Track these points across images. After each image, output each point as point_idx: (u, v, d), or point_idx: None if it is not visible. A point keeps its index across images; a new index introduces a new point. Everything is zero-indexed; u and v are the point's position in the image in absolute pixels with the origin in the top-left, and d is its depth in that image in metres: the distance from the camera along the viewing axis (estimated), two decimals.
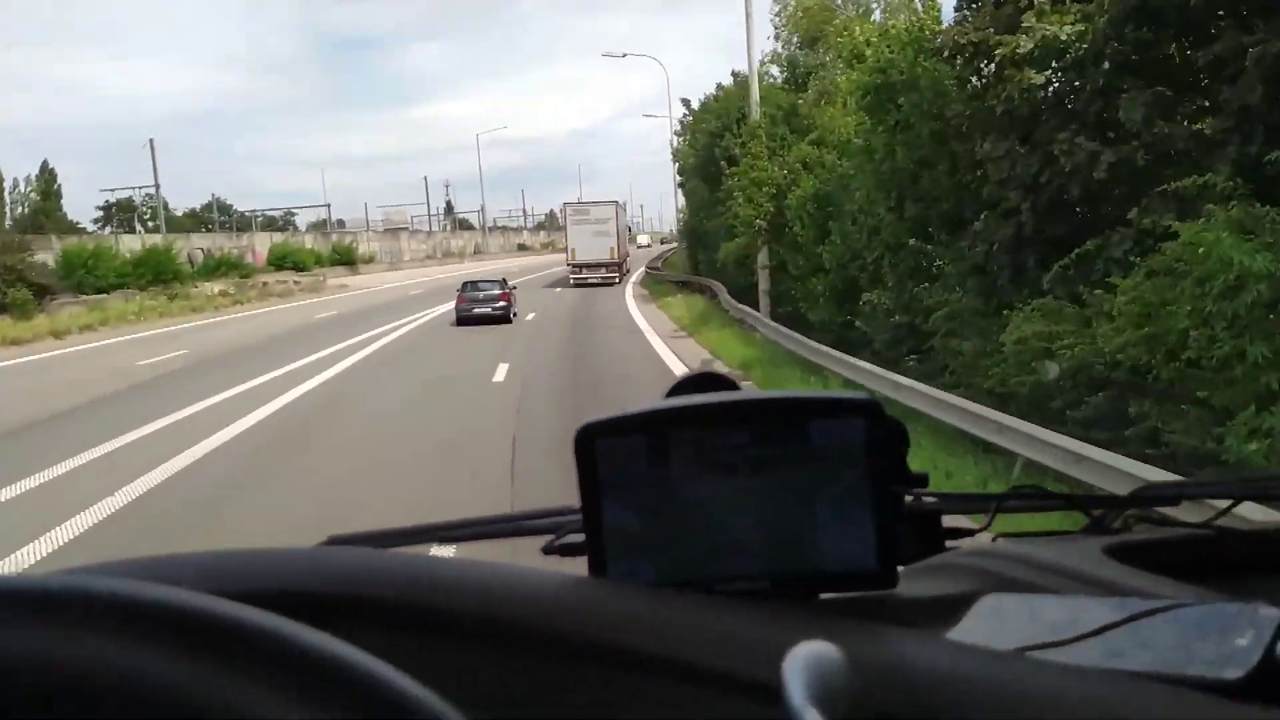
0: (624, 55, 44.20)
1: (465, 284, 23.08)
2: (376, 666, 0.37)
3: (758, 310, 18.75)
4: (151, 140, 46.63)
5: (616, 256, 37.37)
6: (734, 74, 28.55)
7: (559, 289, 35.15)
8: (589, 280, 35.60)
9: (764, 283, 19.24)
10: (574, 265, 36.53)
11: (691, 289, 28.63)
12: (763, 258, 19.17)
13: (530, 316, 23.62)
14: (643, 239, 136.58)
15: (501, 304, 22.29)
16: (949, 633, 0.61)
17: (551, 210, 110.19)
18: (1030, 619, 0.60)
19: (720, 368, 12.34)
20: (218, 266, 41.09)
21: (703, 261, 31.34)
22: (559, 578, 0.60)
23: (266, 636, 0.37)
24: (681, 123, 35.77)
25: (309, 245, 50.06)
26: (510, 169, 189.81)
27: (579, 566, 0.67)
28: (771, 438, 0.65)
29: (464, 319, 21.83)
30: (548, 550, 0.76)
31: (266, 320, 26.73)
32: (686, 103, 33.93)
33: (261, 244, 46.82)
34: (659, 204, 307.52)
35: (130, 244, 36.46)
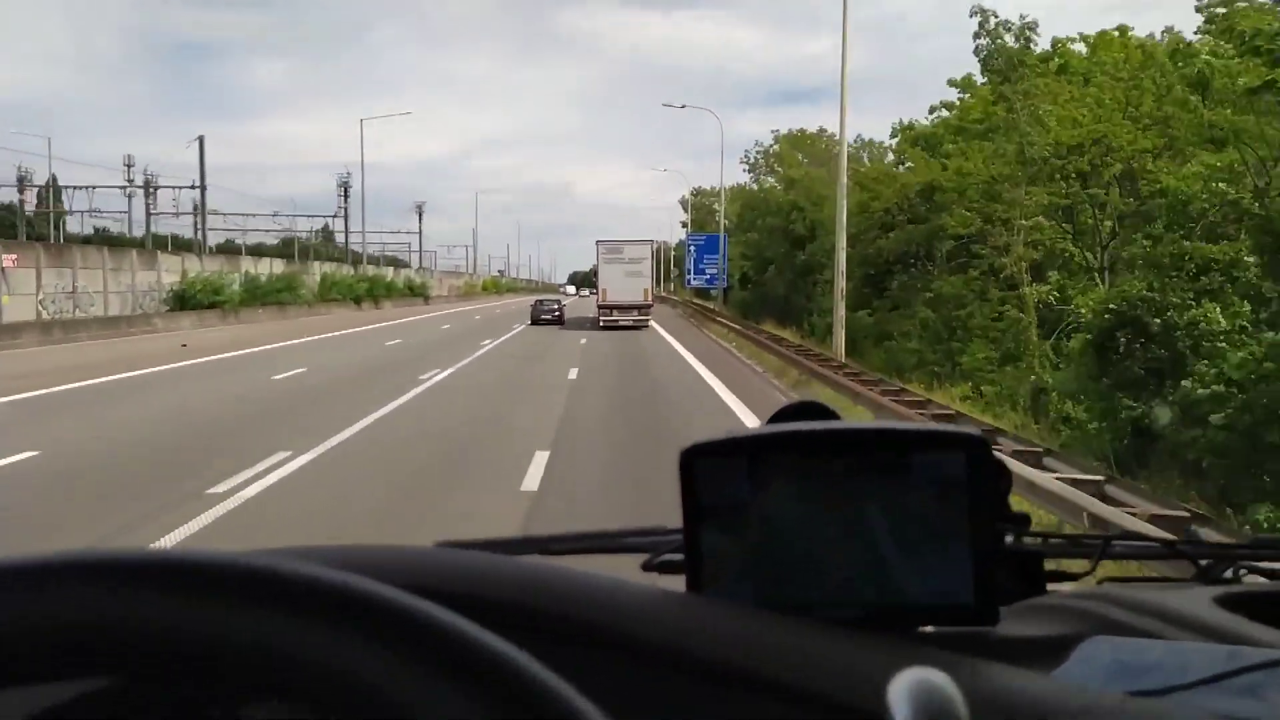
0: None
1: (537, 300, 39.15)
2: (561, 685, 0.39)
3: None
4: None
5: (649, 299, 35.36)
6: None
7: None
8: (620, 323, 33.04)
9: None
10: (604, 306, 34.44)
11: None
12: None
13: None
14: (568, 288, 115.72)
15: (558, 312, 37.13)
16: (1052, 673, 0.60)
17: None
18: (1137, 663, 0.59)
19: None
20: None
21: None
22: (662, 592, 0.61)
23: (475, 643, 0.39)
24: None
25: None
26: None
27: (677, 584, 0.68)
28: (872, 468, 0.65)
29: (536, 320, 36.05)
30: (647, 567, 0.77)
31: None
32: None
33: None
34: (537, 246, 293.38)
35: None
